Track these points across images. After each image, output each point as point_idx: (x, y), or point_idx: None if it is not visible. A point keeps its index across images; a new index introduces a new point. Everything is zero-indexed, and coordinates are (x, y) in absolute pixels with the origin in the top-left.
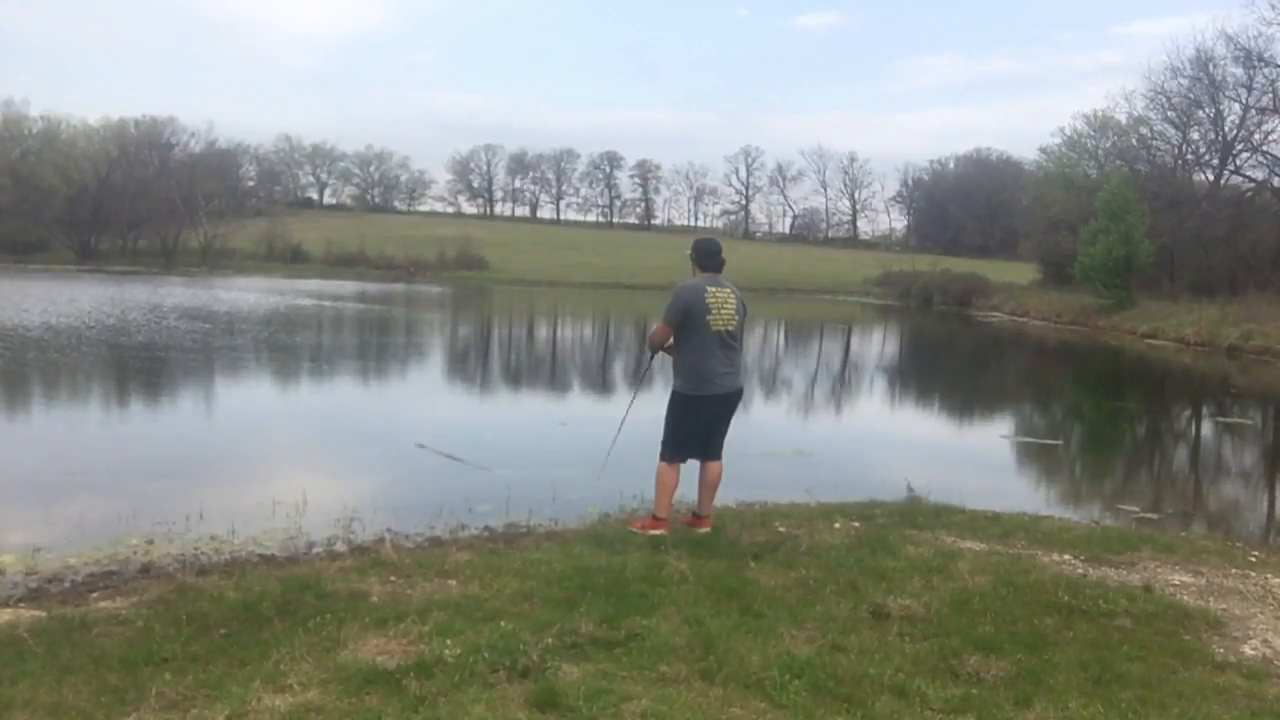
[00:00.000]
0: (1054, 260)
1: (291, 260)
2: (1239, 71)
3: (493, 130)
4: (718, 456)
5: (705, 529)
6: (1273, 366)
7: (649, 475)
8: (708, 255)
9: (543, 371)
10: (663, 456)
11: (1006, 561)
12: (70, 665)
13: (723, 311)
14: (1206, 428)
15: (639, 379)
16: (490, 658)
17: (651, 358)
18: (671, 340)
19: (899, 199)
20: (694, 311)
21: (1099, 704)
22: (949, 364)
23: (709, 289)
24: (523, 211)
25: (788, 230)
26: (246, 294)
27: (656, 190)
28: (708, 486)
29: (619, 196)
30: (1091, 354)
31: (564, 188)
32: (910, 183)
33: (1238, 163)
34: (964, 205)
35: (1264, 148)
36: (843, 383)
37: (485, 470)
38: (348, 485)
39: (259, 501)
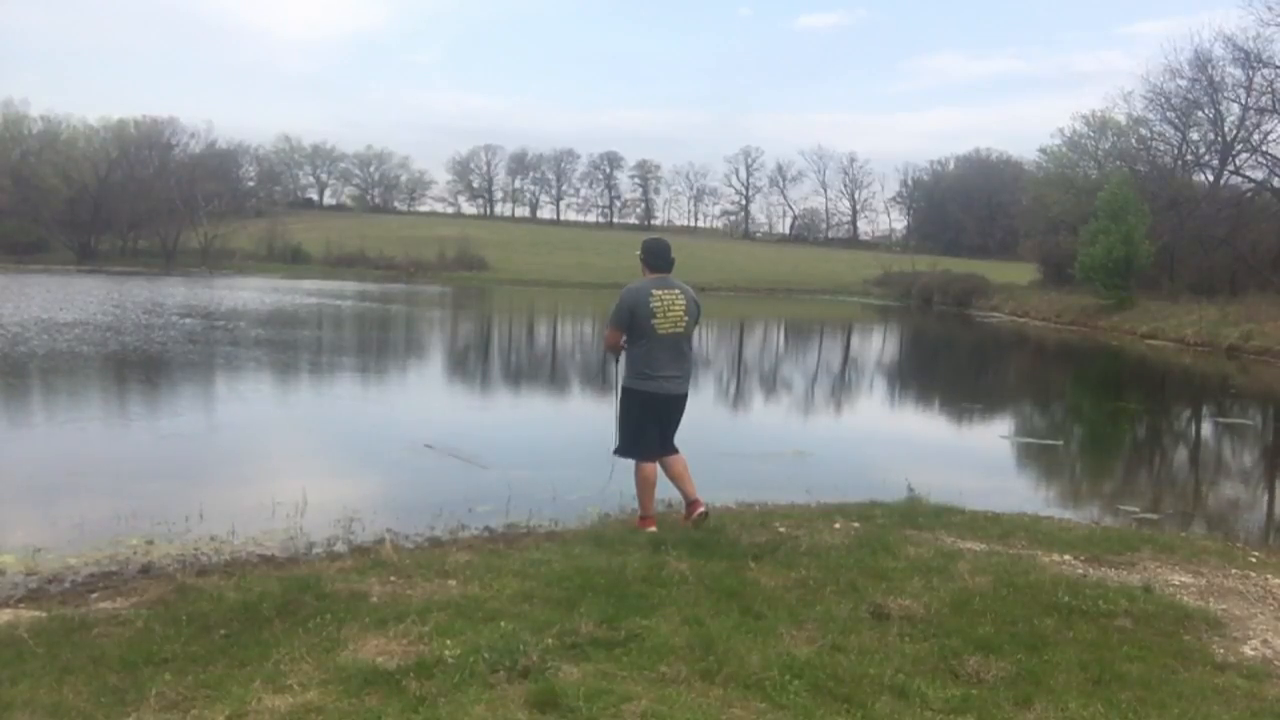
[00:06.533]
0: (1054, 260)
1: (291, 260)
2: (1238, 72)
3: (493, 130)
4: (674, 450)
5: (702, 509)
6: (1273, 366)
7: None
8: (656, 255)
9: (542, 369)
10: (623, 454)
11: (1006, 562)
12: (70, 665)
13: (669, 314)
14: (1206, 428)
15: (610, 380)
16: (490, 658)
17: (615, 360)
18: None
19: (899, 199)
20: (639, 315)
21: (1099, 704)
22: (949, 364)
23: (654, 291)
24: (523, 212)
25: (788, 231)
26: (247, 293)
27: (656, 190)
28: (679, 478)
29: (619, 197)
30: (1091, 354)
31: (564, 188)
32: (910, 183)
33: (1237, 163)
34: (964, 205)
35: (1263, 148)
36: (843, 383)
37: (487, 469)
38: (348, 485)
39: (259, 501)
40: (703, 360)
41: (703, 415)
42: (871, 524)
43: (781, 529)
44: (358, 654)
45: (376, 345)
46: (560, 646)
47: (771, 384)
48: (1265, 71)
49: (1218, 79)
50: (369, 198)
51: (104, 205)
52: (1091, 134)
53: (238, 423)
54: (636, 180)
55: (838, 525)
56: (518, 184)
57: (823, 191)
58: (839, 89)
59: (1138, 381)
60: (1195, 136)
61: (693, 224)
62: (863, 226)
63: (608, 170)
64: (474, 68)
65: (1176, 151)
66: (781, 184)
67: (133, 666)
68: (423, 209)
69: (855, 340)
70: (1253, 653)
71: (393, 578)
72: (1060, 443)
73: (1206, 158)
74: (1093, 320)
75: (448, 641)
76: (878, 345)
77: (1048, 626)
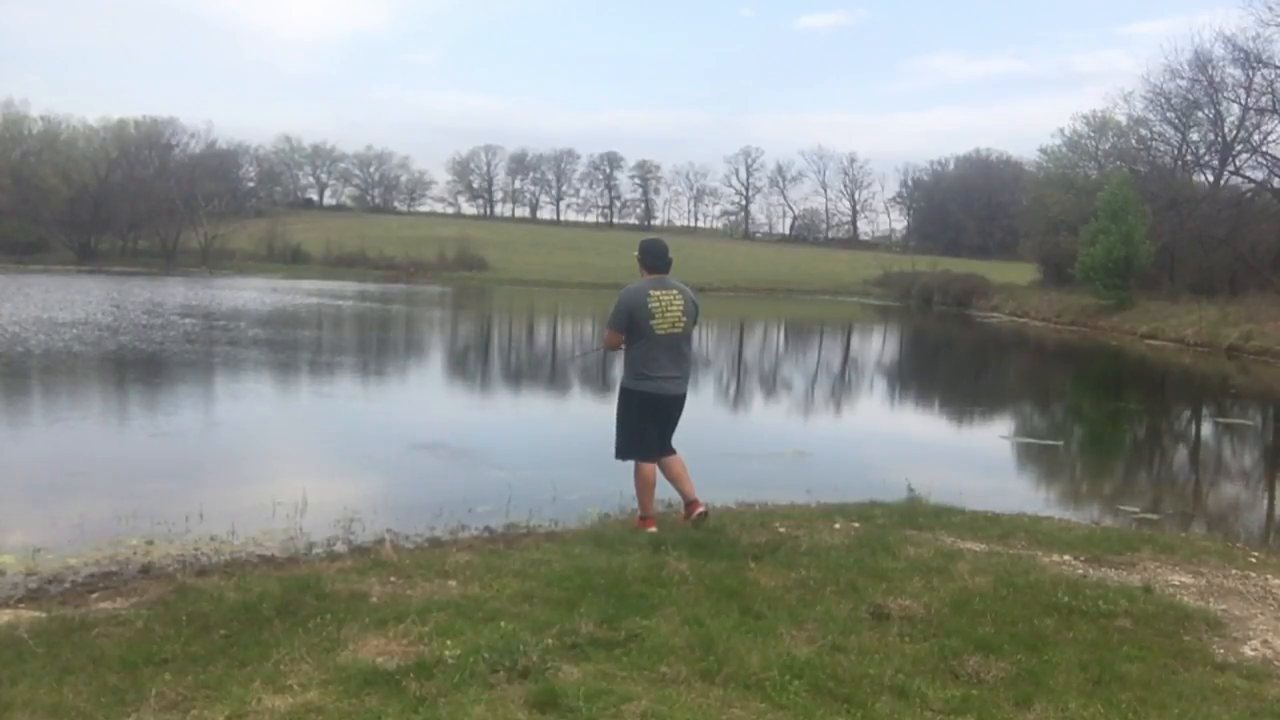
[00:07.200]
0: (1054, 260)
1: (291, 261)
2: (1237, 73)
3: (493, 130)
4: (671, 451)
5: (701, 509)
6: (1273, 366)
7: None
8: (654, 256)
9: (541, 369)
10: (622, 456)
11: (1006, 562)
12: (70, 665)
13: (668, 314)
14: (1206, 428)
15: (587, 351)
16: (490, 658)
17: (603, 351)
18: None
19: (899, 199)
20: (637, 316)
21: (1099, 704)
22: (949, 364)
23: (653, 292)
24: (523, 212)
25: (788, 231)
26: (247, 293)
27: (656, 191)
28: (678, 479)
29: (619, 197)
30: (1091, 354)
31: (564, 188)
32: (910, 183)
33: (1237, 163)
34: (964, 206)
35: (1263, 148)
36: (843, 383)
37: (500, 470)
38: (348, 485)
39: (259, 502)
40: (702, 360)
41: (703, 415)
42: (871, 524)
43: (781, 529)
44: (358, 654)
45: (376, 345)
46: (560, 646)
47: (771, 384)
48: (1265, 71)
49: (1218, 79)
50: (369, 198)
51: (104, 205)
52: (1091, 134)
53: (237, 422)
54: (636, 180)
55: (838, 525)
56: (518, 184)
57: (823, 192)
58: (839, 89)
59: (1138, 382)
60: (1195, 137)
61: (693, 224)
62: (863, 226)
63: (608, 170)
64: (474, 68)
65: (1176, 152)
66: (781, 184)
67: (133, 666)
68: (423, 209)
69: (855, 340)
70: (1253, 653)
71: (393, 578)
72: (1060, 443)
73: (1206, 158)
74: (1093, 320)
75: (448, 642)
76: (877, 345)
77: (1048, 626)
